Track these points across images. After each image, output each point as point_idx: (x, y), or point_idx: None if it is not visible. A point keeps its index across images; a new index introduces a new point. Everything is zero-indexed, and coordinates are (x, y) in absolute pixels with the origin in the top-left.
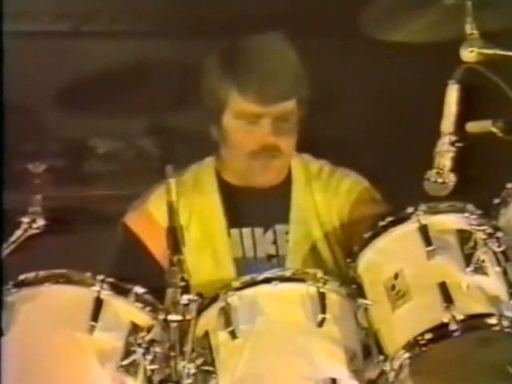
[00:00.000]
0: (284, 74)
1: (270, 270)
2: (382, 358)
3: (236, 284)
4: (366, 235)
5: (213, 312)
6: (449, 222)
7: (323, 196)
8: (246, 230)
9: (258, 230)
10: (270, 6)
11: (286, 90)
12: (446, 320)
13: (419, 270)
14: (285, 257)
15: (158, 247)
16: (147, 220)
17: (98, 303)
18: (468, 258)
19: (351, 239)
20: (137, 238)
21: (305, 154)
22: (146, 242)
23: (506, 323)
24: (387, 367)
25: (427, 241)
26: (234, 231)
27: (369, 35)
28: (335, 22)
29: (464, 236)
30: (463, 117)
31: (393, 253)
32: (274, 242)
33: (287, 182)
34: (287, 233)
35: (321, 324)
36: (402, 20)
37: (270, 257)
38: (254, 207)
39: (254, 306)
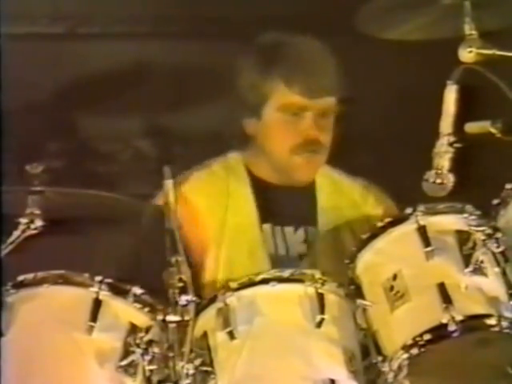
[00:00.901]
0: (328, 69)
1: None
2: (380, 358)
3: (234, 285)
4: (365, 236)
5: (211, 313)
6: (447, 222)
7: (349, 201)
8: (277, 227)
9: (289, 229)
10: (270, 7)
11: (330, 85)
12: (444, 321)
13: (418, 270)
14: (315, 258)
15: (191, 230)
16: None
17: (97, 304)
18: (467, 259)
19: None
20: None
21: None
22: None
23: (505, 324)
24: (386, 368)
25: (426, 241)
26: (266, 226)
27: (366, 33)
28: (333, 22)
29: (463, 237)
30: (462, 117)
31: (391, 254)
32: (305, 242)
33: (311, 184)
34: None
35: (319, 325)
36: (400, 18)
37: (301, 256)
38: (283, 205)
39: (252, 307)
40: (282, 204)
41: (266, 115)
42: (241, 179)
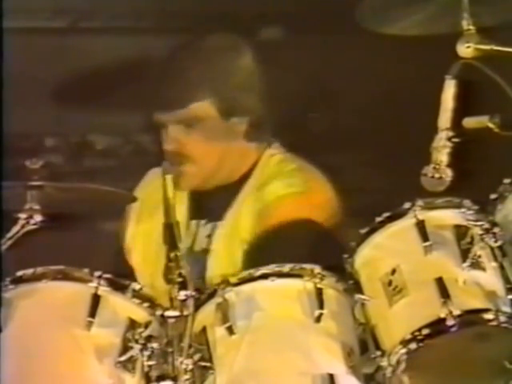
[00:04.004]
0: (193, 78)
1: (199, 263)
2: (379, 353)
3: (233, 280)
4: (363, 231)
5: (210, 308)
6: (446, 217)
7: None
8: (201, 222)
9: (203, 223)
10: (270, 4)
11: (189, 94)
12: (443, 315)
13: (416, 265)
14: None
15: None
16: None
17: (96, 299)
18: (465, 254)
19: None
20: None
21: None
22: None
23: (502, 318)
24: (384, 363)
25: (424, 236)
26: (192, 222)
27: (366, 29)
28: (333, 17)
29: (461, 231)
30: (460, 112)
31: (390, 248)
32: (209, 236)
33: (244, 177)
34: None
35: (318, 319)
36: (399, 14)
37: (204, 250)
38: (211, 202)
39: (251, 302)
40: (210, 201)
41: None
42: None
